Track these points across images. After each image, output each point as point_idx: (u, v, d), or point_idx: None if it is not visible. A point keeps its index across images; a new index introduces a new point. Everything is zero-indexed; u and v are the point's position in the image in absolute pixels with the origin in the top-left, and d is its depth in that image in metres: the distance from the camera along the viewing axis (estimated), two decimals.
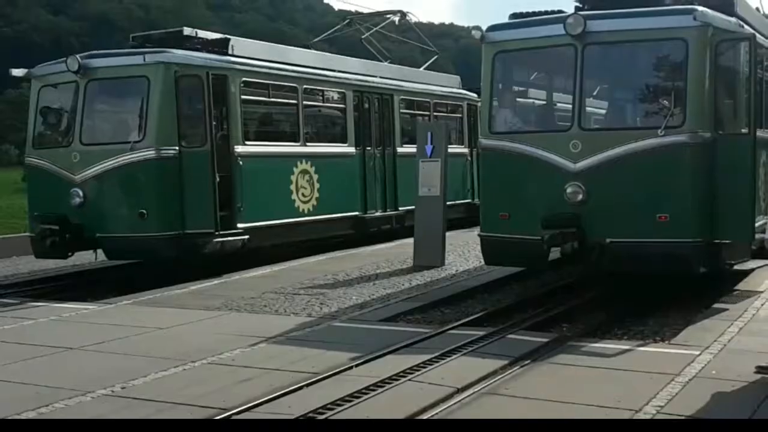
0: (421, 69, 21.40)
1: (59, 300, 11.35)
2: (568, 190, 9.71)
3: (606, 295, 10.62)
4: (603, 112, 11.34)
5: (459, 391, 6.59)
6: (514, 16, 11.13)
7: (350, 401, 6.37)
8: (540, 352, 7.76)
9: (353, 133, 17.01)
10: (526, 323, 9.24)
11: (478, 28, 10.75)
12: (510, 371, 7.16)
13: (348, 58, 18.24)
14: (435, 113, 20.00)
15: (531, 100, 12.65)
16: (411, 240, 15.97)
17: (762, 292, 10.34)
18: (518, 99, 12.14)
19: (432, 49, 22.94)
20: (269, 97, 15.16)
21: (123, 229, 12.89)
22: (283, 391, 6.54)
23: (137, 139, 13.00)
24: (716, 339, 8.03)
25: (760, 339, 8.08)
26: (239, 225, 13.68)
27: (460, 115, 21.08)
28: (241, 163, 13.77)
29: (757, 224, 10.93)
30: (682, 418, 5.87)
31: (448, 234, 13.94)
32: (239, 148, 13.84)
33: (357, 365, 7.32)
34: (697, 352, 7.54)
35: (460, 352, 7.77)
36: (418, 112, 19.71)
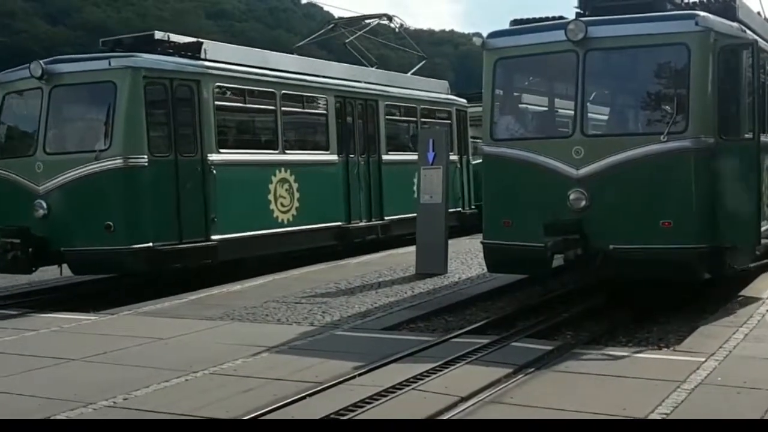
0: (409, 74, 20.91)
1: (60, 311, 11.30)
2: (571, 196, 9.67)
3: (610, 302, 10.57)
4: (605, 118, 11.30)
5: (463, 399, 6.55)
6: (514, 22, 11.11)
7: (354, 410, 6.31)
8: (544, 360, 7.72)
9: (335, 140, 16.41)
10: (530, 331, 9.20)
11: (479, 35, 10.75)
12: (514, 379, 7.11)
13: (330, 62, 17.77)
14: (422, 119, 19.50)
15: (533, 107, 12.61)
16: (398, 250, 16.20)
17: (767, 297, 10.30)
18: (520, 105, 12.10)
19: (420, 54, 22.39)
20: (245, 103, 14.64)
21: (88, 242, 12.26)
22: (286, 401, 6.50)
23: (103, 147, 12.38)
24: (721, 345, 7.98)
25: (766, 345, 8.03)
26: (213, 237, 13.25)
27: (448, 121, 20.45)
28: (214, 171, 13.31)
29: (763, 228, 10.92)
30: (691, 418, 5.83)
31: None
32: (213, 157, 13.36)
33: (360, 374, 7.27)
34: (703, 359, 7.50)
35: (464, 361, 7.72)
36: (405, 118, 19.22)
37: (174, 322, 10.18)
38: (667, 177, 9.55)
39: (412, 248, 15.94)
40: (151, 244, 12.35)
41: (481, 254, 11.02)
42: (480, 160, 20.83)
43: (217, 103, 13.65)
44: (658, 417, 5.97)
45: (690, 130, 9.47)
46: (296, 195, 15.15)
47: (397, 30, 21.62)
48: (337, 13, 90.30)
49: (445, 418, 6.19)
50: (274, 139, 15.06)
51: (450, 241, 14.16)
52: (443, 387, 6.87)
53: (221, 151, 13.61)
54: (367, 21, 20.62)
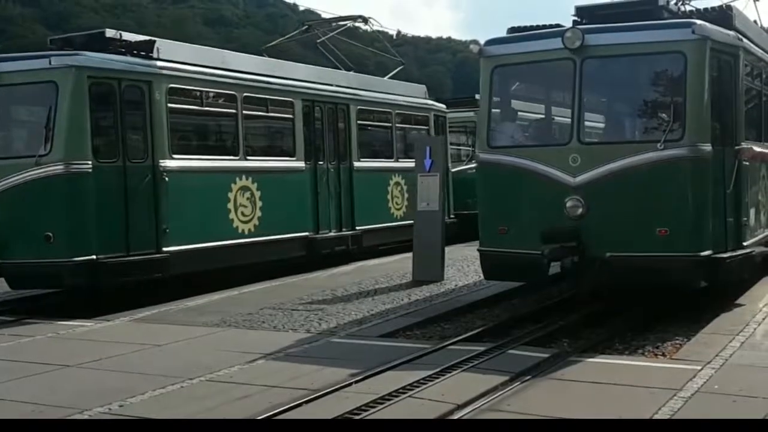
0: (386, 78, 20.12)
1: (56, 317, 11.27)
2: (568, 204, 9.67)
3: (606, 310, 10.55)
4: (602, 125, 11.31)
5: (459, 407, 6.52)
6: (512, 30, 11.12)
7: (350, 418, 6.29)
8: (541, 368, 7.70)
9: (303, 146, 15.48)
10: (527, 339, 9.17)
11: (476, 42, 10.76)
12: (511, 387, 7.10)
13: (298, 64, 16.82)
14: (397, 124, 18.74)
15: (530, 114, 12.63)
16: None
17: (764, 305, 10.30)
18: (517, 113, 12.12)
19: (397, 59, 21.74)
20: (203, 106, 13.73)
21: (26, 254, 11.41)
22: (282, 408, 6.48)
23: (43, 152, 11.43)
24: (718, 353, 7.98)
25: (763, 353, 8.05)
26: (165, 248, 12.36)
27: (426, 127, 19.79)
28: (167, 179, 12.42)
29: (759, 237, 10.95)
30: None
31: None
32: (166, 163, 12.48)
33: (356, 381, 7.25)
34: (699, 367, 7.49)
35: (460, 368, 7.70)
36: (378, 124, 18.42)
37: (170, 328, 10.16)
38: (663, 185, 9.56)
39: (385, 260, 16.02)
40: (94, 256, 11.51)
41: (478, 262, 11.01)
42: (460, 168, 20.28)
43: (170, 105, 12.74)
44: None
45: (686, 138, 9.48)
46: (259, 204, 14.26)
47: (370, 30, 21.20)
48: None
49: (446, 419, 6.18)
50: (235, 145, 14.16)
51: (446, 249, 14.14)
52: (439, 394, 6.85)
53: (175, 156, 12.72)
54: (342, 23, 20.03)
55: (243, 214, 13.95)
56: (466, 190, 16.25)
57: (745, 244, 10.30)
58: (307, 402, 6.67)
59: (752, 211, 10.86)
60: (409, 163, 18.18)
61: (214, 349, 8.90)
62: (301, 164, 15.44)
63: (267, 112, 15.02)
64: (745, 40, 10.66)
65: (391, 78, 20.22)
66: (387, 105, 18.47)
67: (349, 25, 20.09)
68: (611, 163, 9.62)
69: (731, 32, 10.31)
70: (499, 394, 6.90)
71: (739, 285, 10.86)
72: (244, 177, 14.02)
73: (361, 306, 11.24)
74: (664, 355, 8.60)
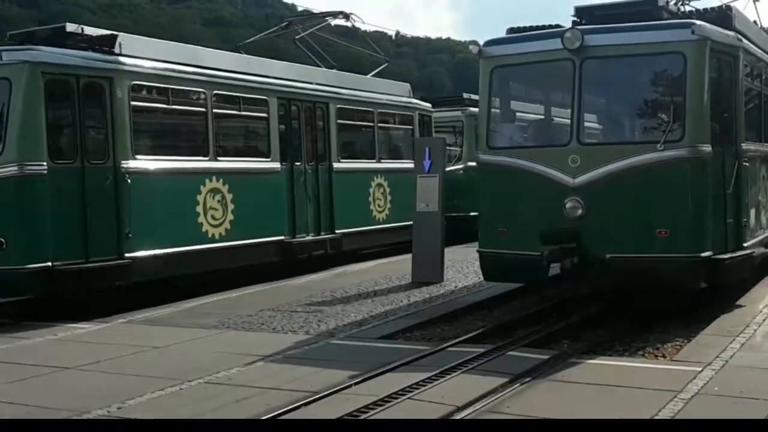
0: (369, 76, 19.36)
1: (53, 320, 11.23)
2: (568, 205, 9.65)
3: (606, 311, 10.54)
4: (602, 126, 11.30)
5: (459, 409, 6.51)
6: (511, 30, 11.10)
7: (351, 419, 6.27)
8: (541, 370, 7.69)
9: (278, 146, 14.79)
10: (527, 340, 9.16)
11: (475, 42, 10.73)
12: (510, 389, 7.08)
13: (273, 61, 15.89)
14: (380, 124, 18.08)
15: (529, 115, 12.61)
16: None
17: (764, 307, 10.28)
18: (516, 114, 12.10)
19: (380, 56, 20.98)
20: (169, 104, 12.96)
21: None
22: (281, 410, 6.46)
23: None
24: (718, 355, 7.96)
25: (763, 355, 8.03)
26: (127, 254, 11.73)
27: (410, 127, 19.14)
28: (129, 180, 11.77)
29: (759, 237, 10.93)
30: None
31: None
32: (128, 164, 11.82)
33: (356, 383, 7.23)
34: (699, 369, 7.47)
35: (460, 370, 7.69)
36: (360, 123, 17.73)
37: (169, 330, 10.13)
38: (663, 185, 9.54)
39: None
40: (50, 263, 10.91)
41: (478, 263, 10.99)
42: (447, 169, 19.96)
43: (134, 103, 12.08)
44: None
45: (686, 138, 9.47)
46: (230, 207, 13.58)
47: (351, 26, 20.36)
48: (333, 21, 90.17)
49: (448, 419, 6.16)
50: (205, 145, 13.42)
51: (446, 250, 14.12)
52: (439, 396, 6.83)
53: (138, 157, 12.06)
54: (322, 19, 19.25)
55: (213, 217, 13.32)
56: (452, 192, 15.54)
57: (745, 245, 10.29)
58: (306, 404, 6.65)
59: (752, 212, 10.85)
60: (393, 164, 18.30)
61: (212, 350, 8.87)
62: (276, 165, 14.75)
63: (240, 110, 14.42)
64: (744, 40, 10.64)
65: (374, 76, 19.55)
66: (369, 104, 17.82)
67: (329, 21, 19.37)
68: (611, 164, 9.59)
69: (731, 33, 10.30)
70: (499, 395, 6.88)
71: (740, 286, 10.84)
72: (214, 178, 13.38)
73: (361, 307, 11.22)
74: (664, 356, 8.59)
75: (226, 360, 8.26)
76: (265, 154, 14.72)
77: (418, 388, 7.07)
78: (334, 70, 17.81)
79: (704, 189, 9.60)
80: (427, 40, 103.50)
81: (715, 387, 6.93)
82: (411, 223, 17.54)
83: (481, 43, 10.76)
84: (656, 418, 6.09)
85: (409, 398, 6.82)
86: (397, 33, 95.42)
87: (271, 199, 14.63)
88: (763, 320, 9.53)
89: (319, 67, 17.79)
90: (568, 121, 10.00)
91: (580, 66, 9.85)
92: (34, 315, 11.85)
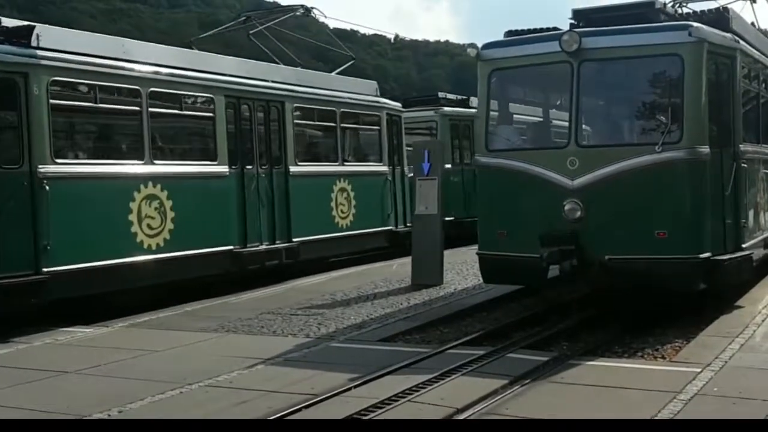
0: (333, 74, 18.21)
1: (54, 323, 11.24)
2: (566, 207, 9.67)
3: (605, 313, 10.55)
4: (600, 128, 11.31)
5: (459, 411, 6.52)
6: (509, 33, 11.14)
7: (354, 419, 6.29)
8: (540, 371, 7.70)
9: (226, 148, 13.54)
10: (526, 342, 9.18)
11: (473, 45, 10.77)
12: (510, 391, 7.09)
13: (221, 56, 14.74)
14: (343, 124, 16.76)
15: (527, 118, 12.64)
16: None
17: (763, 307, 10.30)
18: (514, 116, 12.12)
19: (347, 54, 19.85)
20: (96, 102, 11.63)
21: None
22: (281, 413, 6.47)
23: None
24: (717, 356, 7.97)
25: (762, 355, 8.04)
26: (45, 269, 10.60)
27: (377, 128, 17.91)
28: (47, 187, 10.62)
29: (758, 238, 10.95)
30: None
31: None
32: (46, 168, 10.67)
33: (356, 386, 7.24)
34: (699, 370, 7.49)
35: (460, 372, 7.70)
36: (320, 123, 16.47)
37: (168, 334, 10.14)
38: (661, 187, 9.57)
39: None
40: None
41: (477, 265, 11.01)
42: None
43: (54, 101, 10.92)
44: None
45: (684, 140, 9.50)
46: (170, 215, 12.39)
47: (319, 21, 19.64)
48: (332, 24, 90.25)
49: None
50: (139, 148, 12.16)
51: (444, 252, 14.13)
52: (439, 399, 6.84)
53: (59, 161, 10.93)
54: (283, 14, 18.37)
55: (150, 226, 12.11)
56: None
57: (743, 246, 10.30)
58: (306, 407, 6.66)
59: (751, 213, 10.87)
60: (358, 167, 17.20)
61: (212, 354, 8.89)
62: (223, 169, 13.51)
63: (181, 109, 13.14)
64: (742, 42, 10.66)
65: (339, 74, 18.30)
66: (330, 103, 16.47)
67: (289, 16, 18.28)
68: (609, 166, 9.62)
69: (728, 34, 10.32)
70: (498, 397, 6.89)
71: (738, 287, 10.85)
72: (150, 184, 12.14)
73: (360, 310, 11.23)
74: (663, 357, 8.61)
75: (227, 363, 8.27)
76: (212, 157, 13.47)
77: (417, 391, 7.08)
78: (291, 67, 16.60)
79: (703, 190, 9.63)
80: (426, 43, 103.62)
81: (714, 388, 6.94)
82: (378, 229, 17.20)
83: (480, 46, 10.79)
84: (656, 418, 6.11)
85: (408, 400, 6.83)
86: (396, 36, 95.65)
87: (217, 206, 13.42)
88: (762, 321, 9.54)
89: (278, 64, 16.56)
90: (566, 124, 10.02)
91: (577, 68, 9.88)
92: (34, 319, 11.86)
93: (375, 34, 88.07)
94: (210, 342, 9.62)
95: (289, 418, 6.35)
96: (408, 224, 17.72)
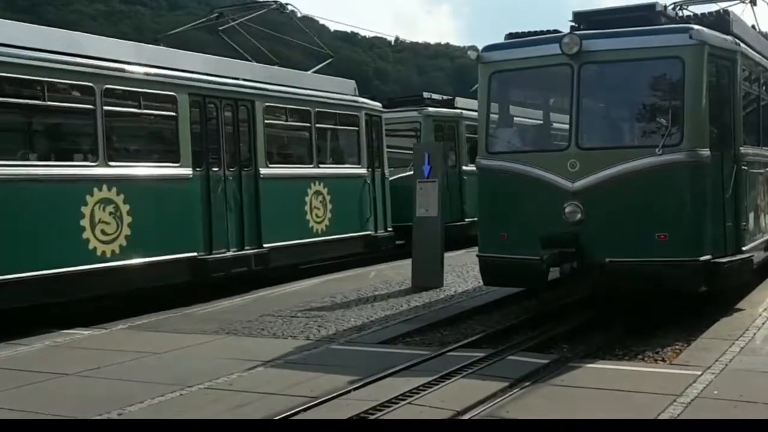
0: (309, 72, 17.34)
1: (53, 326, 11.24)
2: (567, 209, 9.66)
3: (606, 316, 10.54)
4: (600, 131, 11.30)
5: (459, 413, 6.51)
6: (510, 36, 11.14)
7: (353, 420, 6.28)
8: (540, 374, 7.69)
9: (189, 149, 12.76)
10: (526, 344, 9.15)
11: (474, 48, 10.76)
12: (510, 393, 7.08)
13: (185, 52, 13.80)
14: (318, 125, 15.95)
15: (528, 120, 12.63)
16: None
17: (763, 310, 10.29)
18: (515, 118, 12.12)
19: (325, 51, 19.05)
20: (44, 100, 10.92)
21: None
22: (281, 416, 6.46)
23: None
24: (718, 359, 7.96)
25: (763, 358, 8.03)
26: None
27: (355, 128, 17.18)
28: None
29: (758, 241, 10.94)
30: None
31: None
32: None
33: (356, 389, 7.23)
34: (699, 372, 7.47)
35: (460, 375, 7.68)
36: (293, 124, 15.74)
37: (168, 336, 10.14)
38: (662, 190, 9.56)
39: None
40: None
41: (477, 267, 11.00)
42: (402, 175, 18.53)
43: None
44: None
45: (685, 143, 9.50)
46: (127, 220, 11.62)
47: (299, 16, 18.84)
48: (333, 27, 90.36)
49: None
50: (93, 149, 11.40)
51: (445, 254, 14.12)
52: (439, 401, 6.83)
53: (1, 162, 10.36)
54: (256, 9, 17.53)
55: (104, 232, 11.35)
56: (407, 200, 13.80)
57: (744, 248, 10.30)
58: (306, 409, 6.64)
59: (751, 216, 10.86)
60: (334, 169, 16.51)
61: (212, 356, 8.88)
62: (187, 171, 12.73)
63: (140, 108, 12.31)
64: (742, 44, 10.66)
65: (316, 72, 17.55)
66: (304, 102, 15.67)
67: (263, 12, 17.50)
68: (610, 169, 9.61)
69: (729, 37, 10.32)
70: (498, 400, 6.88)
71: (739, 289, 10.84)
72: (105, 187, 11.36)
73: (361, 312, 11.22)
74: (663, 360, 8.59)
75: (227, 365, 8.26)
76: (174, 158, 12.70)
77: (417, 393, 7.06)
78: (262, 65, 15.85)
79: (703, 193, 9.62)
80: (427, 46, 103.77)
81: (714, 391, 6.93)
82: (356, 234, 16.53)
83: (480, 48, 10.79)
84: (656, 419, 6.10)
85: (409, 403, 6.82)
86: (397, 38, 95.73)
87: (180, 210, 12.67)
88: (763, 324, 9.53)
89: (250, 61, 15.76)
90: (567, 126, 10.02)
91: (578, 71, 9.88)
92: (34, 321, 11.86)
93: (375, 37, 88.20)
94: (210, 344, 9.61)
95: (290, 419, 6.33)
96: (388, 229, 17.68)
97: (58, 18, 75.86)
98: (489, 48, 10.75)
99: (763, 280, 12.03)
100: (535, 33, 10.93)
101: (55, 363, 8.77)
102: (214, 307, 12.15)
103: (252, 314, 11.31)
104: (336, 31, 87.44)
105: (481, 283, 11.45)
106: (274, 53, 17.53)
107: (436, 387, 7.27)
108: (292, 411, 6.55)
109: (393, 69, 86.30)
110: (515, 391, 7.15)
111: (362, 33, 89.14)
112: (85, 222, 11.13)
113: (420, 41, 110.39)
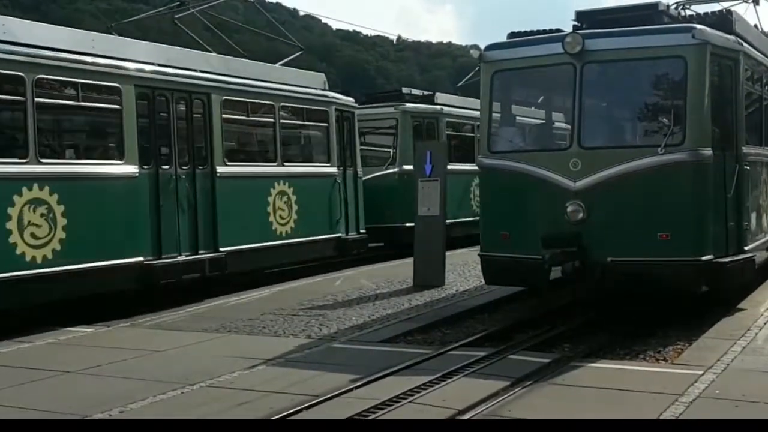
0: (277, 65, 16.44)
1: (55, 323, 11.24)
2: (569, 208, 9.66)
3: (608, 315, 10.54)
4: (602, 130, 11.29)
5: (460, 412, 6.52)
6: (512, 35, 11.14)
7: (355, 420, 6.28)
8: (542, 373, 7.70)
9: (135, 145, 11.83)
10: (528, 344, 9.17)
11: (476, 47, 10.78)
12: (512, 392, 7.08)
13: (131, 40, 12.94)
14: (283, 120, 15.04)
15: (530, 119, 12.63)
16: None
17: (765, 310, 10.28)
18: (517, 118, 12.12)
19: (294, 44, 17.99)
20: None
21: None
22: (282, 414, 6.46)
23: None
24: (719, 358, 7.96)
25: (764, 358, 8.03)
26: None
27: (324, 124, 16.24)
28: None
29: (760, 241, 10.94)
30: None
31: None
32: None
33: (357, 387, 7.24)
34: (701, 372, 7.47)
35: (462, 374, 7.70)
36: (255, 119, 14.73)
37: (170, 334, 10.14)
38: (664, 189, 9.56)
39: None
40: None
41: (479, 266, 11.00)
42: (378, 174, 18.42)
43: None
44: None
45: (687, 142, 9.49)
46: (61, 222, 10.75)
47: (267, 8, 18.40)
48: (335, 25, 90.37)
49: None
50: (23, 144, 10.48)
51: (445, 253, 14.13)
52: (441, 400, 6.83)
53: None
54: None
55: (34, 235, 10.47)
56: (384, 200, 13.43)
57: (746, 248, 10.29)
58: (307, 408, 6.65)
59: (753, 216, 10.86)
60: (300, 168, 15.67)
61: (214, 354, 8.88)
62: (132, 169, 11.81)
63: (78, 101, 11.35)
64: (745, 44, 10.65)
65: (284, 65, 16.65)
66: (267, 96, 14.66)
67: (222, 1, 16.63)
68: (612, 168, 9.61)
69: (731, 37, 10.31)
70: (500, 399, 6.89)
71: (741, 289, 10.84)
72: (36, 186, 10.47)
73: (362, 311, 11.23)
74: (665, 359, 8.59)
75: (228, 364, 8.27)
76: (117, 155, 11.80)
77: (419, 392, 7.07)
78: (220, 56, 14.85)
79: (705, 192, 9.62)
80: (429, 45, 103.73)
81: (716, 390, 6.93)
82: (325, 237, 15.67)
83: (483, 47, 10.79)
84: (657, 418, 6.10)
85: (410, 402, 6.83)
86: (399, 37, 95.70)
87: (124, 211, 11.74)
88: (765, 324, 9.53)
89: (209, 52, 14.83)
90: (569, 125, 10.02)
91: (580, 70, 9.87)
92: (36, 319, 11.87)
93: (378, 35, 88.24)
94: (211, 342, 9.62)
95: (291, 418, 6.34)
96: (361, 231, 16.94)
97: (62, 15, 76.03)
98: (491, 47, 10.75)
99: (765, 280, 12.03)
100: (538, 32, 10.92)
101: (57, 360, 8.78)
102: (214, 305, 12.16)
103: (253, 312, 11.31)
104: (338, 30, 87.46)
105: (483, 282, 11.45)
106: (243, 46, 16.64)
107: (437, 386, 7.28)
108: (294, 410, 6.56)
109: (395, 68, 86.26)
110: (516, 390, 7.15)
111: (364, 31, 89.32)
112: (11, 225, 10.22)
113: (422, 40, 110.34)
